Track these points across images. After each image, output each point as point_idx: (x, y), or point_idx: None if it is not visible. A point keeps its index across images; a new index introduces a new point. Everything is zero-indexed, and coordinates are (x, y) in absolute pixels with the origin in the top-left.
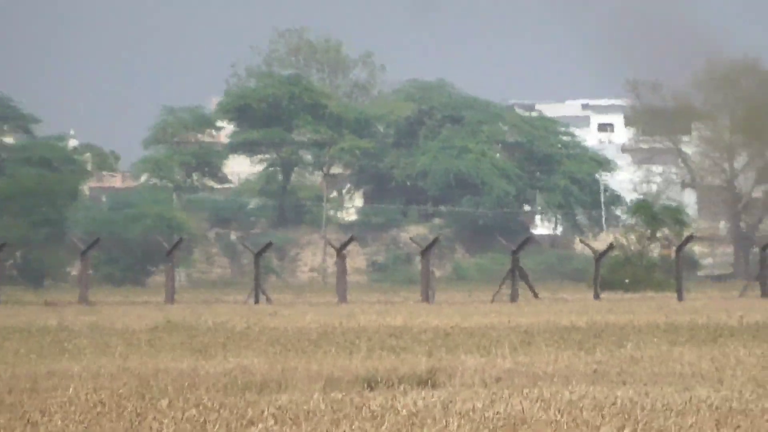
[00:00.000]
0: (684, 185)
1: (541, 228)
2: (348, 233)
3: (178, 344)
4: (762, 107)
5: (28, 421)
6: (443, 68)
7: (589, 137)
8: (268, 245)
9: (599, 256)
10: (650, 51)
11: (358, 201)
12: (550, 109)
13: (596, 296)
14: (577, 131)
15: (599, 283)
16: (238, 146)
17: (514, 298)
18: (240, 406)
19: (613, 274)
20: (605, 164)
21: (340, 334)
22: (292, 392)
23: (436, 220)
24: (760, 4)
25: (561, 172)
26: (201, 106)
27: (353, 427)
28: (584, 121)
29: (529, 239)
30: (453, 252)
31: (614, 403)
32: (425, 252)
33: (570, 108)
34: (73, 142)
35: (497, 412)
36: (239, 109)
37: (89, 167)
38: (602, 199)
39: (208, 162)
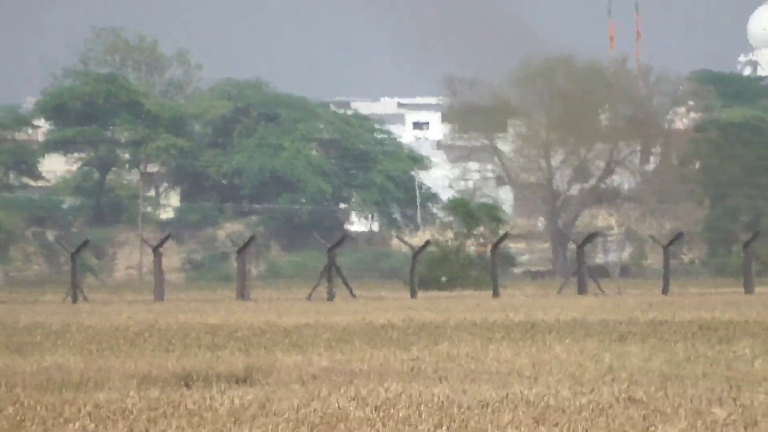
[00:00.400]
0: (500, 182)
1: (358, 225)
2: (165, 231)
3: None
4: (578, 104)
5: None
6: (260, 67)
7: (405, 135)
8: (85, 244)
9: (416, 254)
10: (466, 48)
11: (175, 199)
12: (366, 107)
13: (413, 294)
14: (392, 129)
15: (416, 280)
16: (54, 144)
17: (330, 296)
18: (57, 404)
19: (429, 272)
20: (421, 162)
21: (157, 332)
22: (108, 390)
23: (253, 218)
24: (577, 2)
25: (377, 169)
26: (17, 104)
27: (171, 425)
28: (400, 119)
29: (346, 237)
30: (269, 250)
31: (431, 401)
32: (241, 250)
33: (386, 106)
34: None
35: (314, 410)
36: (56, 108)
37: None
38: (418, 197)
39: (24, 160)
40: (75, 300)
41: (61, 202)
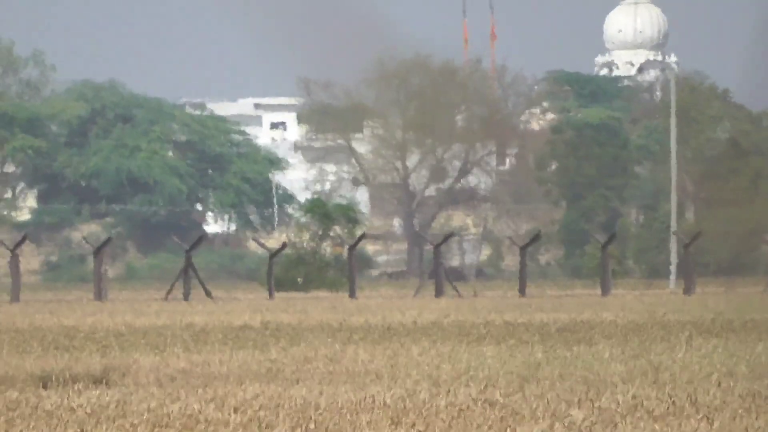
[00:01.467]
0: (356, 183)
1: (214, 226)
2: (21, 233)
3: None
4: (432, 104)
5: None
6: (116, 68)
7: (262, 136)
8: None
9: (272, 255)
10: (321, 49)
11: (32, 201)
12: (222, 108)
13: (270, 295)
14: (249, 130)
15: (273, 282)
16: None
17: (187, 297)
18: None
19: (286, 273)
20: (277, 163)
21: (13, 334)
22: None
23: (109, 220)
24: (431, 2)
25: (233, 171)
26: None
27: (29, 426)
28: (257, 120)
29: (202, 238)
30: (126, 251)
31: (289, 403)
32: (98, 251)
33: (242, 107)
34: None
35: (172, 412)
36: None
37: None
38: (275, 198)
39: None
40: None
41: None
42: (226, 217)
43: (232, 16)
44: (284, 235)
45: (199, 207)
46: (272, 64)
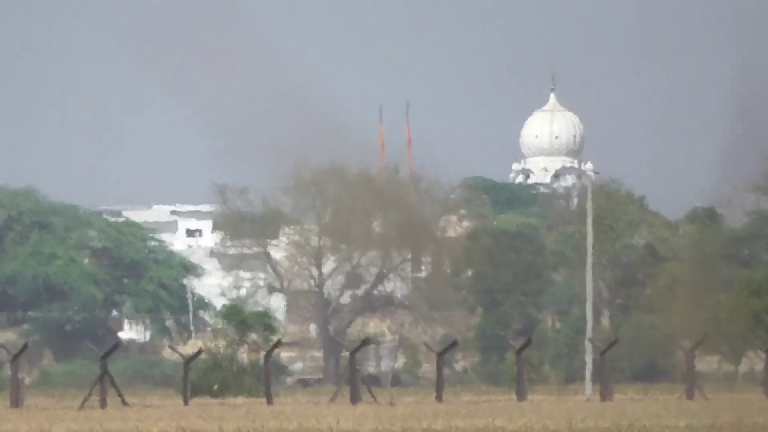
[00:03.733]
0: (272, 290)
1: (130, 333)
2: None
3: None
4: (349, 211)
5: None
6: (32, 174)
7: (177, 242)
8: None
9: (188, 361)
10: (238, 155)
11: None
12: (138, 215)
13: (185, 402)
14: (165, 236)
15: (189, 388)
16: None
17: (103, 404)
18: None
19: (203, 379)
20: (193, 269)
21: None
22: None
23: (25, 326)
24: (349, 105)
25: (148, 276)
26: None
27: None
28: (172, 226)
29: (118, 344)
30: (42, 358)
31: None
32: (14, 358)
33: (157, 213)
34: None
35: None
36: None
37: None
38: (190, 304)
39: None
40: None
41: None
42: (143, 323)
43: (148, 123)
44: (200, 341)
45: (115, 313)
46: (188, 170)
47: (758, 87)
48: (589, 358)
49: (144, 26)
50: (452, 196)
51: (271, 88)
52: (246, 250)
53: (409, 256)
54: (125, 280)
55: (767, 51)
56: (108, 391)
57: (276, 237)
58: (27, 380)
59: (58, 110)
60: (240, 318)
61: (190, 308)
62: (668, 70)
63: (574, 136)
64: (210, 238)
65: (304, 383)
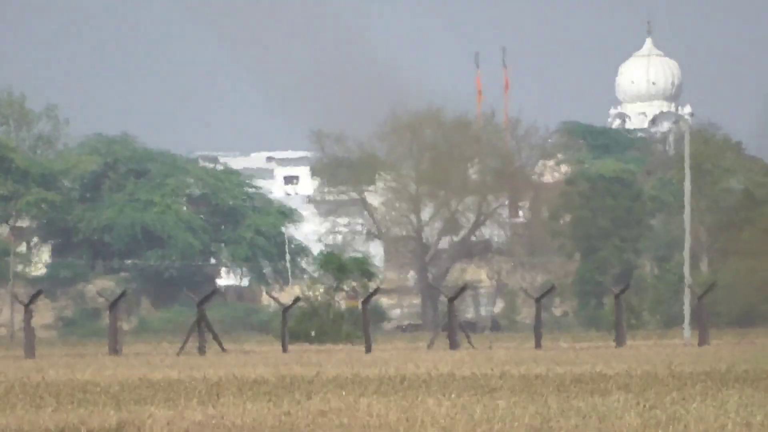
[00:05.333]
0: (370, 236)
1: (228, 280)
2: (36, 287)
3: None
4: (446, 157)
5: None
6: (127, 121)
7: (275, 189)
8: None
9: (286, 309)
10: (334, 102)
11: (46, 255)
12: (235, 162)
13: (284, 348)
14: (262, 183)
15: (287, 335)
16: None
17: (201, 350)
18: None
19: (300, 326)
20: (290, 216)
21: (28, 388)
22: None
23: (123, 274)
24: (444, 53)
25: (246, 224)
26: None
27: None
28: (269, 173)
29: (215, 292)
30: (139, 305)
31: None
32: (112, 306)
33: (255, 160)
34: None
35: None
36: None
37: None
38: (288, 251)
39: None
40: None
41: None
42: (240, 270)
43: (245, 70)
44: (298, 288)
45: (212, 261)
46: (285, 118)
47: None
48: (687, 303)
49: None
50: (549, 141)
51: (366, 38)
52: (343, 196)
53: (507, 202)
54: (222, 228)
55: None
56: (206, 337)
57: (373, 183)
58: (125, 327)
59: (153, 60)
60: (337, 264)
61: (287, 255)
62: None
63: (671, 82)
64: (307, 185)
65: (402, 329)
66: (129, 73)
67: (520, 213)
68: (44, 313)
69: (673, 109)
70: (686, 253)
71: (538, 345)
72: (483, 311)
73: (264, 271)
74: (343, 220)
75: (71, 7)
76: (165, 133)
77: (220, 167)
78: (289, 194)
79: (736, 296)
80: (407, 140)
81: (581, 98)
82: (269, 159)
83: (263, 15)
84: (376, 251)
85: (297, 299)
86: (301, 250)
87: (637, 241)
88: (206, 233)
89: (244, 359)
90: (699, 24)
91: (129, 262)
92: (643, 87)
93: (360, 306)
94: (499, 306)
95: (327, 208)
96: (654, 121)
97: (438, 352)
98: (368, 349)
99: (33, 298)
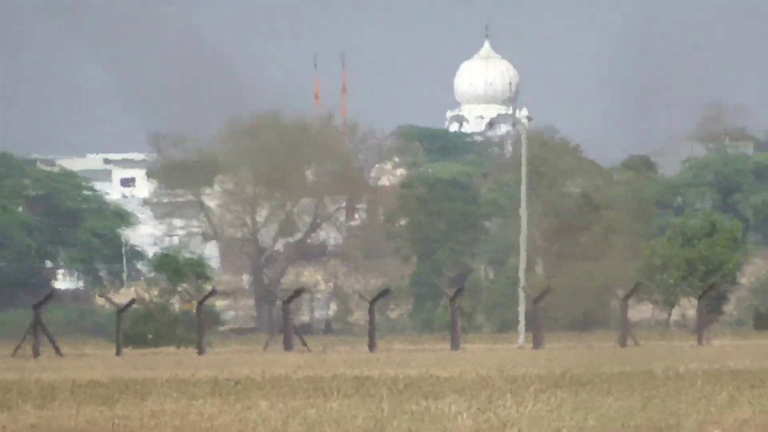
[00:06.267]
0: (206, 238)
1: (64, 283)
2: None
3: None
4: (283, 160)
5: None
6: None
7: (112, 191)
8: None
9: (120, 311)
10: (173, 104)
11: None
12: (73, 164)
13: (118, 352)
14: (99, 185)
15: (121, 337)
16: None
17: (36, 353)
18: None
19: (136, 329)
20: (127, 218)
21: None
22: None
23: None
24: (283, 56)
25: (83, 227)
26: None
27: None
28: (107, 176)
29: (51, 294)
30: None
31: None
32: None
33: (92, 162)
34: None
35: None
36: None
37: None
38: (124, 254)
39: None
40: None
41: None
42: (76, 273)
43: (83, 71)
44: (133, 291)
45: (48, 263)
46: (123, 119)
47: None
48: (522, 307)
49: None
50: (386, 143)
51: (205, 39)
52: (180, 199)
53: (343, 205)
54: (60, 229)
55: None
56: (41, 340)
57: (210, 185)
58: None
59: None
60: (173, 266)
61: (124, 258)
62: (603, 16)
63: (509, 84)
64: (144, 188)
65: (236, 333)
66: None
67: (357, 216)
68: None
69: (510, 112)
70: (522, 257)
71: (371, 348)
72: (318, 314)
73: (100, 273)
74: (179, 223)
75: None
76: (2, 134)
77: (56, 169)
78: (126, 197)
79: (572, 300)
80: (245, 143)
81: (419, 101)
82: (107, 161)
83: (100, 15)
84: (211, 253)
85: (132, 301)
86: (137, 253)
87: (473, 244)
88: (43, 235)
89: (78, 362)
90: (536, 27)
91: None
92: (480, 90)
93: (195, 309)
94: (334, 309)
95: (163, 211)
96: (491, 124)
97: (273, 355)
98: (202, 352)
99: None
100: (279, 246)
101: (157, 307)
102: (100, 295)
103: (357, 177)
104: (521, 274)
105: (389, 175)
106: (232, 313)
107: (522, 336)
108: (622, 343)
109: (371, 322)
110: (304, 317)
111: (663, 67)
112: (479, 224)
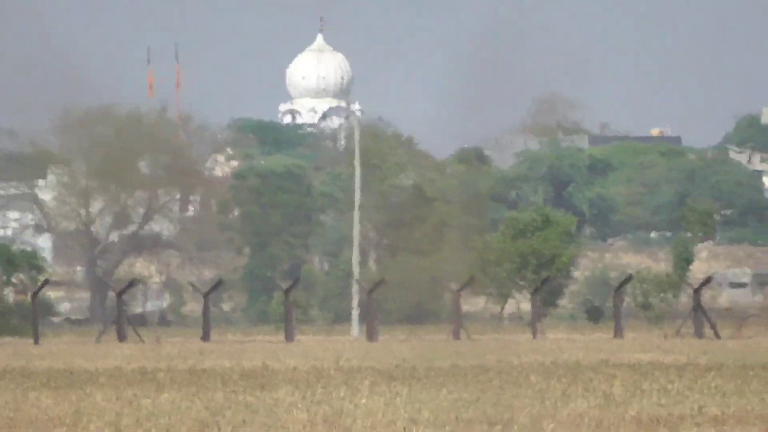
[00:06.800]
0: (39, 230)
1: None
2: None
3: None
4: (117, 152)
5: None
6: None
7: None
8: None
9: None
10: (5, 96)
11: None
12: None
13: None
14: None
15: None
16: None
17: None
18: None
19: None
20: None
21: None
22: None
23: None
24: (117, 48)
25: None
26: None
27: None
28: None
29: None
30: None
31: None
32: None
33: None
34: None
35: None
36: None
37: None
38: None
39: None
40: None
41: None
42: None
43: None
44: None
45: None
46: None
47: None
48: (355, 300)
49: None
50: (220, 136)
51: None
52: (13, 191)
53: (177, 196)
54: None
55: None
56: None
57: (44, 177)
58: None
59: None
60: (6, 257)
61: None
62: (437, 10)
63: (342, 77)
64: None
65: (70, 323)
66: None
67: (191, 208)
68: None
69: (343, 105)
70: (355, 250)
71: (206, 339)
72: (151, 305)
73: None
74: (12, 214)
75: None
76: None
77: None
78: None
79: (405, 293)
80: (79, 135)
81: (253, 94)
82: None
83: None
84: (45, 245)
85: None
86: None
87: (307, 236)
88: None
89: None
90: (370, 20)
91: None
92: (313, 82)
93: (29, 299)
94: (167, 301)
95: None
96: (324, 116)
97: (106, 346)
98: (36, 342)
99: None
100: (113, 237)
101: None
102: None
103: (191, 169)
104: (355, 266)
105: (223, 167)
106: (67, 304)
107: (356, 328)
108: (456, 336)
109: (205, 313)
110: (138, 308)
111: (497, 60)
112: (313, 217)
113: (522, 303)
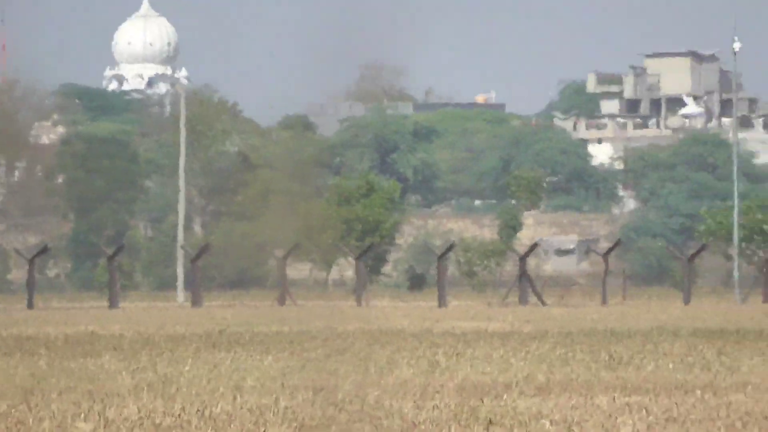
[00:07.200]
0: None
1: None
2: None
3: None
4: None
5: None
6: None
7: None
8: None
9: None
10: None
11: None
12: None
13: None
14: None
15: None
16: None
17: None
18: None
19: None
20: None
21: None
22: None
23: None
24: None
25: None
26: None
27: None
28: None
29: None
30: None
31: None
32: None
33: None
34: None
35: None
36: None
37: None
38: None
39: None
40: None
41: None
42: None
43: None
44: None
45: None
46: None
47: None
48: (180, 265)
49: None
50: (46, 102)
51: None
52: None
53: (2, 162)
54: None
55: None
56: None
57: None
58: None
59: None
60: None
61: None
62: None
63: (168, 44)
64: None
65: None
66: None
67: (16, 173)
68: None
69: (169, 72)
70: (180, 216)
71: (30, 305)
72: None
73: None
74: None
75: None
76: None
77: None
78: None
79: (230, 259)
80: None
81: (79, 59)
82: None
83: None
84: None
85: None
86: None
87: (132, 202)
88: None
89: None
90: None
91: None
92: (139, 48)
93: None
94: None
95: None
96: (150, 83)
97: None
98: None
99: None
100: None
101: None
102: None
103: (17, 135)
104: (180, 232)
105: (50, 133)
106: None
107: (181, 294)
108: (281, 302)
109: (30, 280)
110: None
111: (323, 27)
112: (138, 183)
113: (347, 270)
